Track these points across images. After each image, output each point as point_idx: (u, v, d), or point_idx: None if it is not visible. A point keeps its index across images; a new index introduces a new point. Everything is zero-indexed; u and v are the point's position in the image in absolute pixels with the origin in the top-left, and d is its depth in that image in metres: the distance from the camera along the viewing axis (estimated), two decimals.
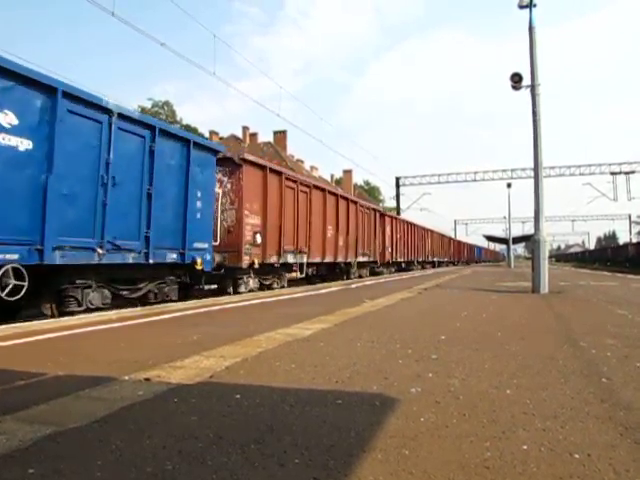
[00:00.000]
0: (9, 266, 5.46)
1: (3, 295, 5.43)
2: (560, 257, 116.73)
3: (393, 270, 24.41)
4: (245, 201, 10.20)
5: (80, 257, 6.44)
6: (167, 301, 8.14)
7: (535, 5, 10.16)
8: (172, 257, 8.17)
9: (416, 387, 2.71)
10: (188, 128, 52.48)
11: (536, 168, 10.21)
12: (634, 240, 64.81)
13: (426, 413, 2.26)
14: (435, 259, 35.83)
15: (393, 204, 44.64)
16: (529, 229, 54.46)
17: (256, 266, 10.41)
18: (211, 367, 3.17)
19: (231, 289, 10.16)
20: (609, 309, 6.84)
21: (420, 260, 30.08)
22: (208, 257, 9.03)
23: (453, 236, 59.40)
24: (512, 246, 44.59)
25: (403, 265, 26.38)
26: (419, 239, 29.78)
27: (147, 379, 2.85)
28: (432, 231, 34.69)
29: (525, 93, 10.26)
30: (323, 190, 14.70)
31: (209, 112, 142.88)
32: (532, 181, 10.42)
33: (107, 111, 6.85)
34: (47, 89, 5.99)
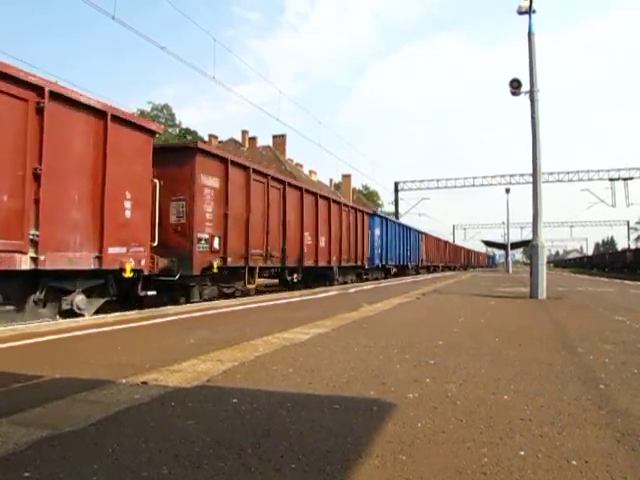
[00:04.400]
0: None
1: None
2: (558, 263, 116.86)
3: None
4: None
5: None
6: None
7: (534, 11, 10.21)
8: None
9: (413, 392, 2.70)
10: (188, 132, 52.57)
11: (535, 174, 10.22)
12: (632, 246, 65.02)
13: (423, 419, 2.26)
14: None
15: (392, 209, 44.68)
16: (527, 234, 54.52)
17: None
18: (208, 371, 3.16)
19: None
20: (607, 315, 6.84)
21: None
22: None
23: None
24: (510, 251, 44.64)
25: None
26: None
27: (144, 382, 2.84)
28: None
29: (524, 99, 10.31)
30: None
31: (208, 115, 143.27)
32: (531, 187, 10.44)
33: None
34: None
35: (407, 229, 27.75)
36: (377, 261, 20.66)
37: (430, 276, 26.90)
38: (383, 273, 22.35)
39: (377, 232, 21.00)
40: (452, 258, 49.02)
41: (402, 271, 25.88)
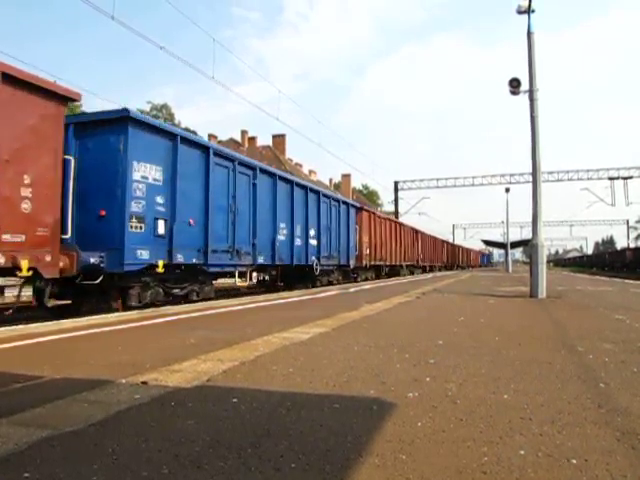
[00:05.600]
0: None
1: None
2: (558, 262, 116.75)
3: None
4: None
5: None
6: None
7: (534, 11, 10.21)
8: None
9: (413, 392, 2.70)
10: (187, 131, 52.49)
11: (534, 173, 10.22)
12: (632, 245, 65.01)
13: (423, 418, 2.26)
14: None
15: (392, 208, 44.68)
16: (527, 234, 54.47)
17: None
18: (208, 371, 3.16)
19: None
20: (607, 314, 6.84)
21: None
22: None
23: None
24: (510, 250, 44.66)
25: None
26: None
27: (144, 382, 2.84)
28: None
29: (524, 98, 10.30)
30: None
31: (208, 115, 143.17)
32: (530, 186, 10.45)
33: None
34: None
35: (312, 193, 13.72)
36: (145, 252, 7.47)
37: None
38: (194, 284, 9.03)
39: (153, 172, 7.64)
40: (427, 255, 33.78)
41: (297, 274, 13.19)
